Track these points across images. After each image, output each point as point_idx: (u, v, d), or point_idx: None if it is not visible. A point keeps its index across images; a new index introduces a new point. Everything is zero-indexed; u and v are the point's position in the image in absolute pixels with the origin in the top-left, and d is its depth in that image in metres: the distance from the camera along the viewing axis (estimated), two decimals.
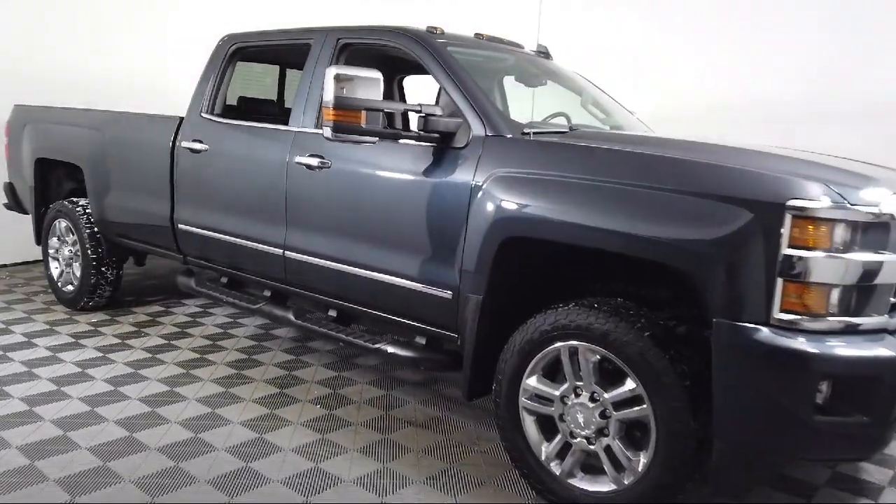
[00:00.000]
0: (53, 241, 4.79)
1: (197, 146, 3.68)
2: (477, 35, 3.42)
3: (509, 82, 3.52)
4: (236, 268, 3.68)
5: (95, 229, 4.48)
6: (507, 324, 2.60)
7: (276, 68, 4.72)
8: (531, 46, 3.82)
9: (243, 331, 4.38)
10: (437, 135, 2.70)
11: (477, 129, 2.67)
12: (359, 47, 3.29)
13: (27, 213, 5.26)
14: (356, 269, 2.99)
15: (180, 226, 3.84)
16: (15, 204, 5.30)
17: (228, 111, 3.94)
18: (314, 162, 3.12)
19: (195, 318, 4.63)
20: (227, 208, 3.57)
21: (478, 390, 2.66)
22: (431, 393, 3.51)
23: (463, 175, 2.61)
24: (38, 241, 5.01)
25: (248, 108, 4.17)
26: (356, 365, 3.86)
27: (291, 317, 3.34)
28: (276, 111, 4.34)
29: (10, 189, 5.27)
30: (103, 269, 4.52)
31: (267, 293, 3.61)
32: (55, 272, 4.81)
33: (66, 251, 4.69)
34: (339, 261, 3.06)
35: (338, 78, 2.50)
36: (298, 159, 3.18)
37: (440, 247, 2.68)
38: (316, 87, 3.24)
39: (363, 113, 2.54)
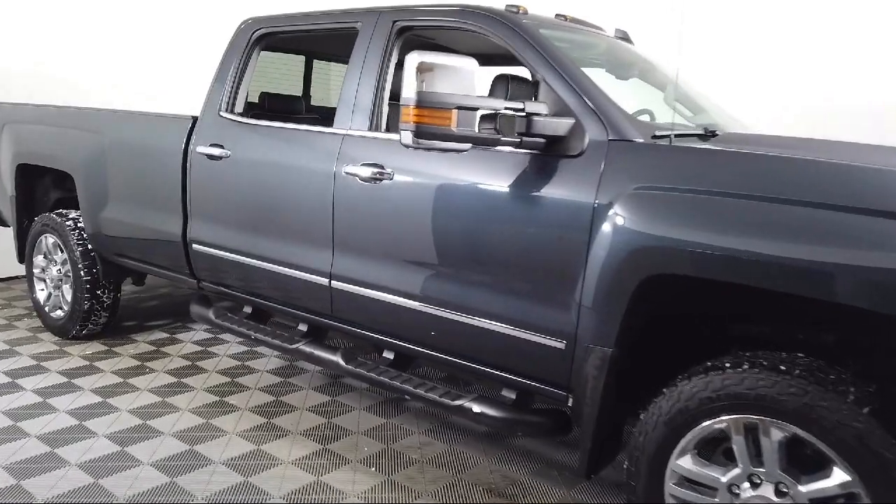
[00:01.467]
0: (39, 260, 4.15)
1: (215, 151, 3.07)
2: (558, 16, 2.85)
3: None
4: (264, 297, 3.08)
5: (89, 246, 3.85)
6: (634, 382, 2.04)
7: (294, 58, 4.11)
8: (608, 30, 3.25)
9: (263, 363, 3.77)
10: (542, 140, 2.12)
11: (595, 132, 2.09)
12: (420, 32, 2.70)
13: (7, 226, 4.62)
14: (427, 306, 2.41)
15: (195, 246, 3.22)
16: None
17: (250, 110, 3.34)
18: (369, 173, 2.53)
19: (206, 346, 4.02)
20: (255, 227, 2.96)
21: (599, 464, 2.10)
22: (503, 447, 2.94)
23: (581, 191, 2.04)
24: (21, 259, 4.36)
25: (272, 106, 3.56)
26: (405, 409, 3.27)
27: (341, 361, 2.74)
28: (301, 109, 3.73)
29: None
30: (98, 292, 3.89)
31: (302, 327, 3.01)
32: (42, 295, 4.17)
33: (54, 271, 4.05)
34: (404, 295, 2.47)
35: (421, 68, 1.92)
36: (349, 169, 2.59)
37: (549, 284, 2.11)
38: (368, 81, 2.65)
39: (454, 112, 1.95)
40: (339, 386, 3.51)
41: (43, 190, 4.34)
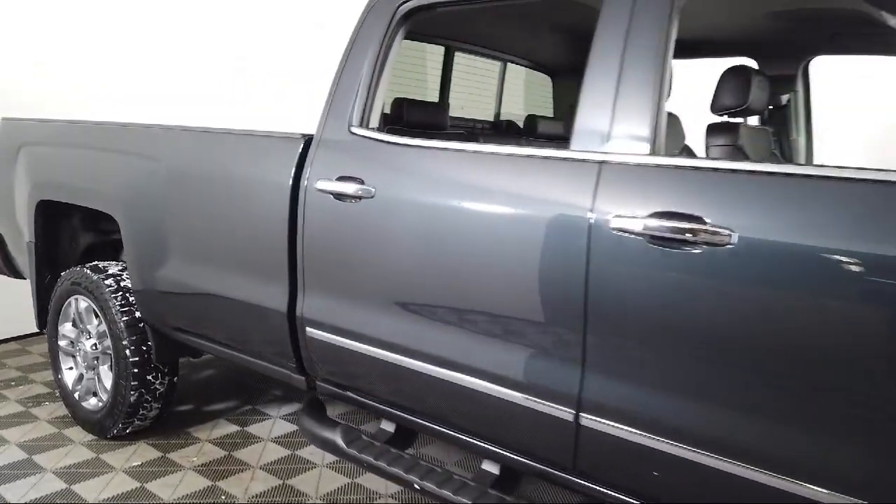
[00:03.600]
0: (67, 329, 3.07)
1: (349, 188, 1.98)
2: None
3: None
4: (429, 415, 1.98)
5: (138, 315, 2.77)
6: None
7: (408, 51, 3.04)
8: None
9: (381, 484, 2.67)
10: None
11: None
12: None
13: (23, 279, 3.55)
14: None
15: (311, 330, 2.12)
16: (5, 264, 3.58)
17: (388, 123, 2.27)
18: (667, 231, 1.43)
19: (293, 446, 2.92)
20: (425, 308, 1.87)
21: None
22: None
23: None
24: (42, 326, 3.28)
25: (413, 119, 2.47)
26: None
27: None
28: (446, 122, 2.64)
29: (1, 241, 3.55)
30: (150, 377, 2.81)
31: (492, 468, 1.90)
32: (70, 376, 3.08)
33: (87, 346, 2.97)
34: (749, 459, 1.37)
35: None
36: (621, 222, 1.50)
37: None
38: (638, 76, 1.56)
39: None
40: None
41: (69, 234, 3.26)
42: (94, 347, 2.94)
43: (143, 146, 2.64)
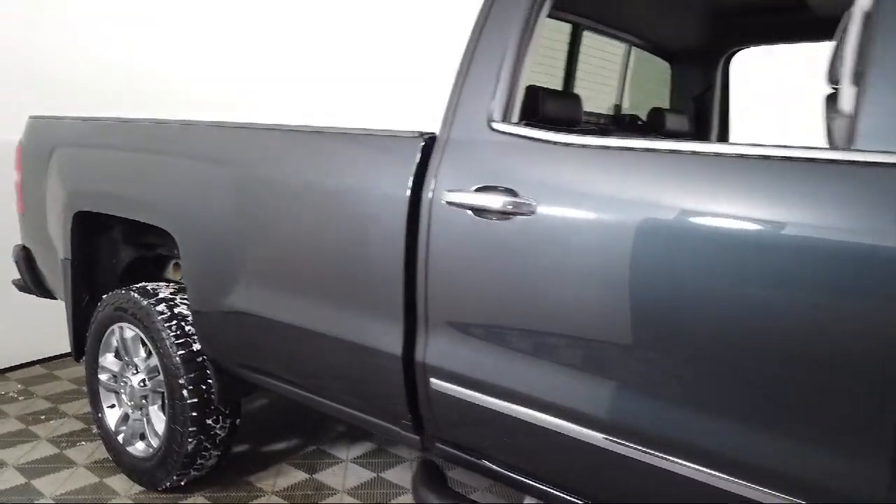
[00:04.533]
0: (109, 361, 2.64)
1: (494, 202, 1.52)
2: None
3: None
4: (603, 499, 1.53)
5: (196, 348, 2.33)
6: None
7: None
8: None
9: None
10: None
11: None
12: None
13: (55, 299, 3.13)
14: None
15: (437, 382, 1.67)
16: (33, 283, 3.15)
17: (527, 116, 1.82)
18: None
19: (371, 497, 2.48)
20: (619, 368, 1.42)
21: None
22: None
23: None
24: (79, 356, 2.86)
25: (550, 111, 2.01)
26: None
27: None
28: (581, 115, 2.19)
29: (25, 258, 3.12)
30: (210, 420, 2.37)
31: None
32: (112, 416, 2.65)
33: (134, 382, 2.53)
34: None
35: None
36: None
37: None
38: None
39: None
40: None
41: (109, 249, 2.83)
42: (142, 384, 2.51)
43: (209, 148, 2.20)
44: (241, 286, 2.11)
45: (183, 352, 2.32)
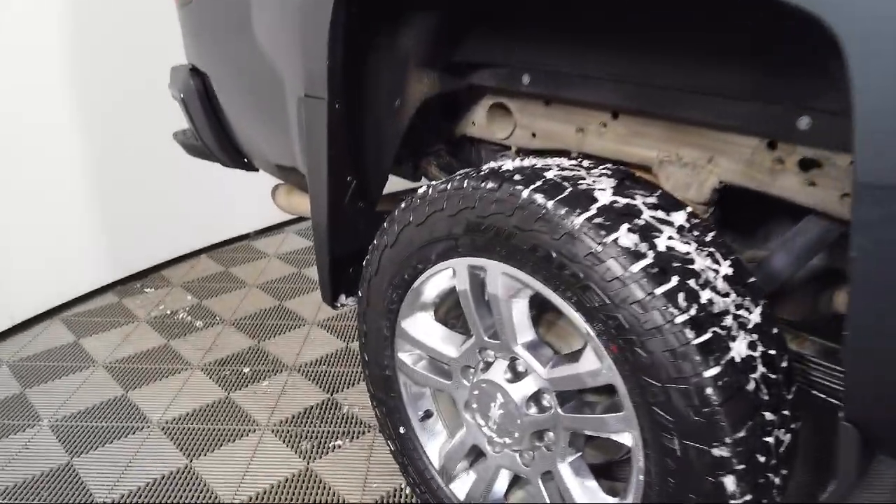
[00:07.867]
0: (424, 328, 1.17)
1: None
2: None
3: None
4: None
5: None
6: None
7: None
8: None
9: None
10: None
11: None
12: None
13: (250, 170, 1.68)
14: None
15: None
16: (215, 136, 1.66)
17: None
18: None
19: None
20: None
21: None
22: None
23: None
24: (334, 298, 1.39)
25: None
26: None
27: None
28: None
29: (200, 90, 1.61)
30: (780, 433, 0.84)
31: None
32: (432, 441, 1.24)
33: (512, 393, 1.07)
34: None
35: None
36: None
37: None
38: None
39: None
40: None
41: (391, 73, 1.27)
42: (534, 403, 1.04)
43: None
44: None
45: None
